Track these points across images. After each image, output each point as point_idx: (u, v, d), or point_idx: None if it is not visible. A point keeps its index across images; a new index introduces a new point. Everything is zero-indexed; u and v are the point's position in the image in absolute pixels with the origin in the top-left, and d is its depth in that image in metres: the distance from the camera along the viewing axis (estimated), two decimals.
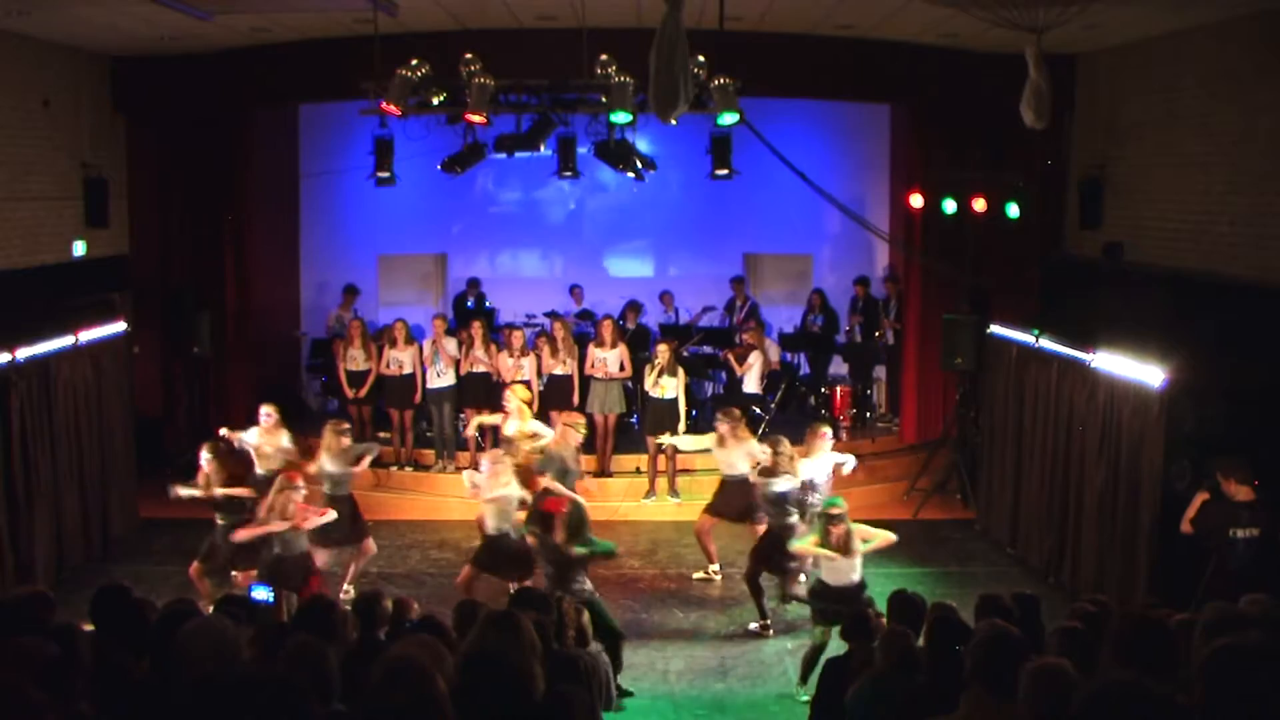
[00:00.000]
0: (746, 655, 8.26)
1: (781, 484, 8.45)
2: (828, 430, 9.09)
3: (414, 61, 8.90)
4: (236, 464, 8.83)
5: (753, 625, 8.65)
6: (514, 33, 10.71)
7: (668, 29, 6.54)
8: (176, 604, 5.14)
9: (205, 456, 8.48)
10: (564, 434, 9.27)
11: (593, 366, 11.37)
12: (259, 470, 9.11)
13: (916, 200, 11.72)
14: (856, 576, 7.51)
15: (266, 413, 9.33)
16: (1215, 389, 7.80)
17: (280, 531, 7.71)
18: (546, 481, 8.65)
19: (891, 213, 13.18)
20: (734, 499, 9.24)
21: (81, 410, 9.90)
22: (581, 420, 9.54)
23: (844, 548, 7.39)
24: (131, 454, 10.84)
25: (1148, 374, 8.21)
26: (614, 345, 11.41)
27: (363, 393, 11.76)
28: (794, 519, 8.44)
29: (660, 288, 14.21)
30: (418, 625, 5.44)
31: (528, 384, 10.98)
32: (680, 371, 10.92)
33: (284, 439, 9.29)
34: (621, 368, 11.41)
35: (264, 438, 9.23)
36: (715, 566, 9.63)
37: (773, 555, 8.38)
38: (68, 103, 10.92)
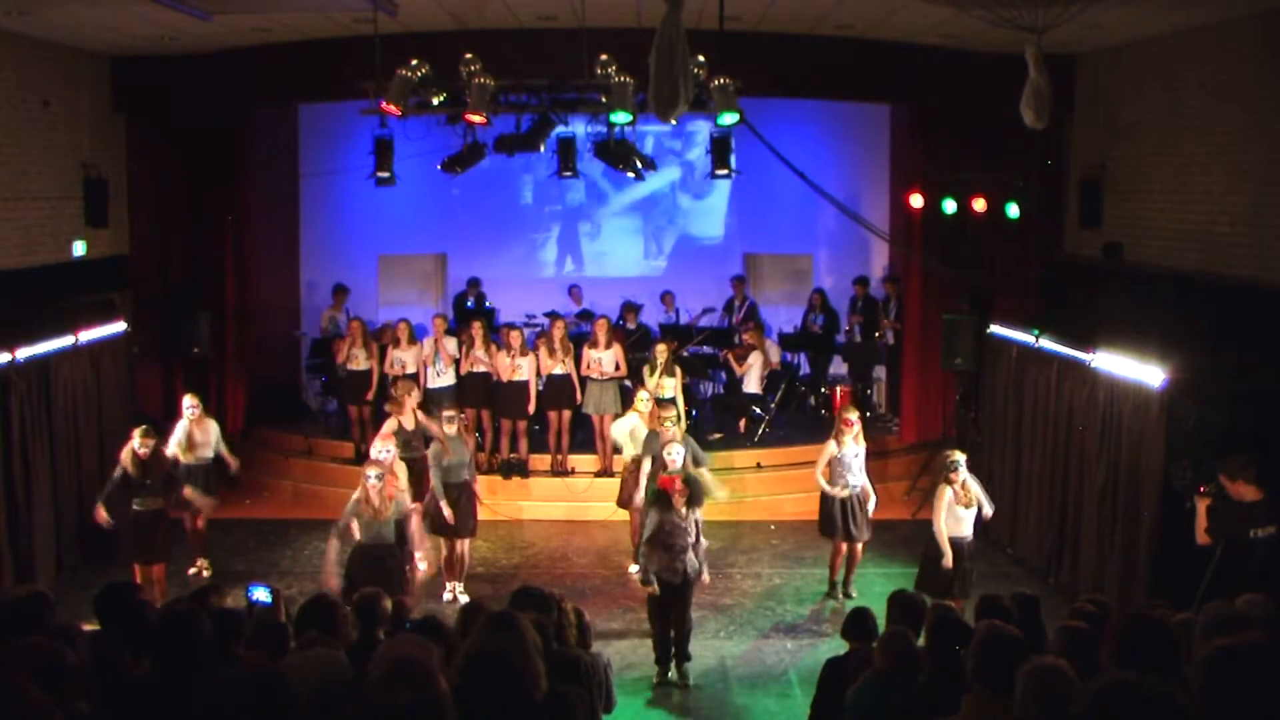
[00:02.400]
0: (746, 655, 8.26)
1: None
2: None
3: (414, 61, 8.90)
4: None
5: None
6: (514, 33, 10.71)
7: (668, 29, 6.54)
8: (177, 604, 5.14)
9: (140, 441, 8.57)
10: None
11: (588, 367, 11.36)
12: (188, 461, 9.33)
13: (916, 200, 11.71)
14: (969, 531, 8.07)
15: (191, 404, 9.43)
16: (1215, 389, 7.80)
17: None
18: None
19: (891, 213, 13.16)
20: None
21: (81, 410, 9.90)
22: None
23: (963, 498, 8.05)
24: None
25: (1148, 374, 8.21)
26: (608, 345, 11.39)
27: (371, 394, 11.74)
28: None
29: (660, 288, 14.21)
30: (418, 625, 5.44)
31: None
32: (678, 371, 10.91)
33: (212, 429, 9.56)
34: (617, 368, 11.41)
35: (192, 429, 9.42)
36: None
37: None
38: (68, 103, 10.91)
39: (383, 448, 8.45)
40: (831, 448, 9.14)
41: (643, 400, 9.84)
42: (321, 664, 3.88)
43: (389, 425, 9.66)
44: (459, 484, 9.09)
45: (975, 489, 8.23)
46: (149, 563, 8.64)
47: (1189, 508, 7.28)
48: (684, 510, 7.69)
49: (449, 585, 9.20)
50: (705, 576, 7.99)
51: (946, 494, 8.15)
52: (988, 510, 8.34)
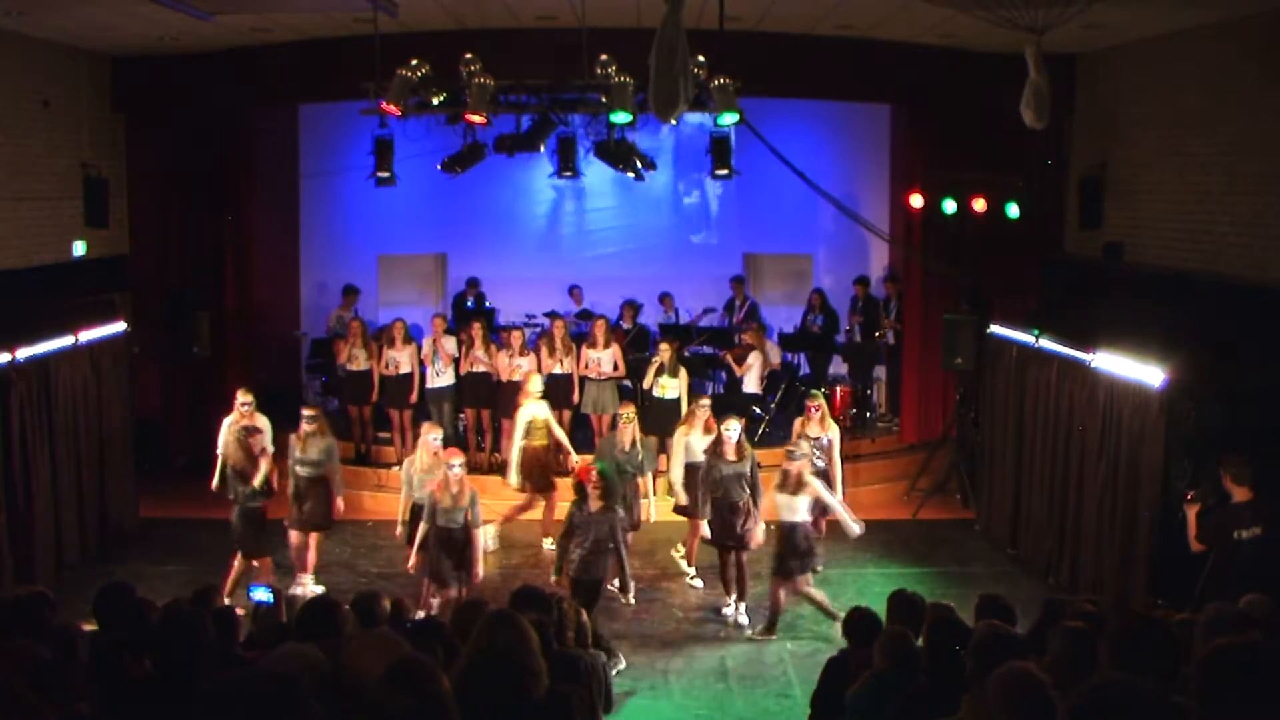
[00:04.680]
0: (746, 655, 8.26)
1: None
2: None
3: (414, 61, 8.91)
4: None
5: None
6: (514, 33, 10.71)
7: (668, 29, 6.54)
8: (177, 603, 5.15)
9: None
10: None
11: (586, 367, 11.36)
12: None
13: (916, 200, 11.72)
14: (797, 517, 8.25)
15: (244, 400, 9.25)
16: (1215, 389, 7.80)
17: None
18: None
19: (891, 213, 13.17)
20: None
21: (81, 410, 9.90)
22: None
23: (796, 486, 8.22)
24: (131, 454, 10.84)
25: (1148, 374, 8.21)
26: (606, 345, 11.39)
27: (374, 396, 11.75)
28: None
29: (660, 288, 14.21)
30: (418, 625, 5.45)
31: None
32: (682, 371, 10.90)
33: (263, 423, 9.36)
34: (615, 368, 11.41)
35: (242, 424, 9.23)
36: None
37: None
38: (68, 103, 10.91)
39: (437, 435, 8.74)
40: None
41: (702, 407, 9.50)
42: (296, 659, 3.86)
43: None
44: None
45: (814, 486, 8.37)
46: (252, 555, 8.73)
47: (1180, 517, 7.30)
48: (597, 505, 7.77)
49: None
50: (630, 597, 8.49)
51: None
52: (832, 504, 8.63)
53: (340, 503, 9.21)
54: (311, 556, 9.23)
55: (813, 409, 9.51)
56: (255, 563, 8.78)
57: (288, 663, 3.79)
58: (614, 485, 7.99)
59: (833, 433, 9.53)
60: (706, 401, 9.62)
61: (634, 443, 9.26)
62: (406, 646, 3.86)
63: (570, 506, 8.03)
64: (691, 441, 9.28)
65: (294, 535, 9.15)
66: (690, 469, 9.21)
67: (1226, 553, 6.86)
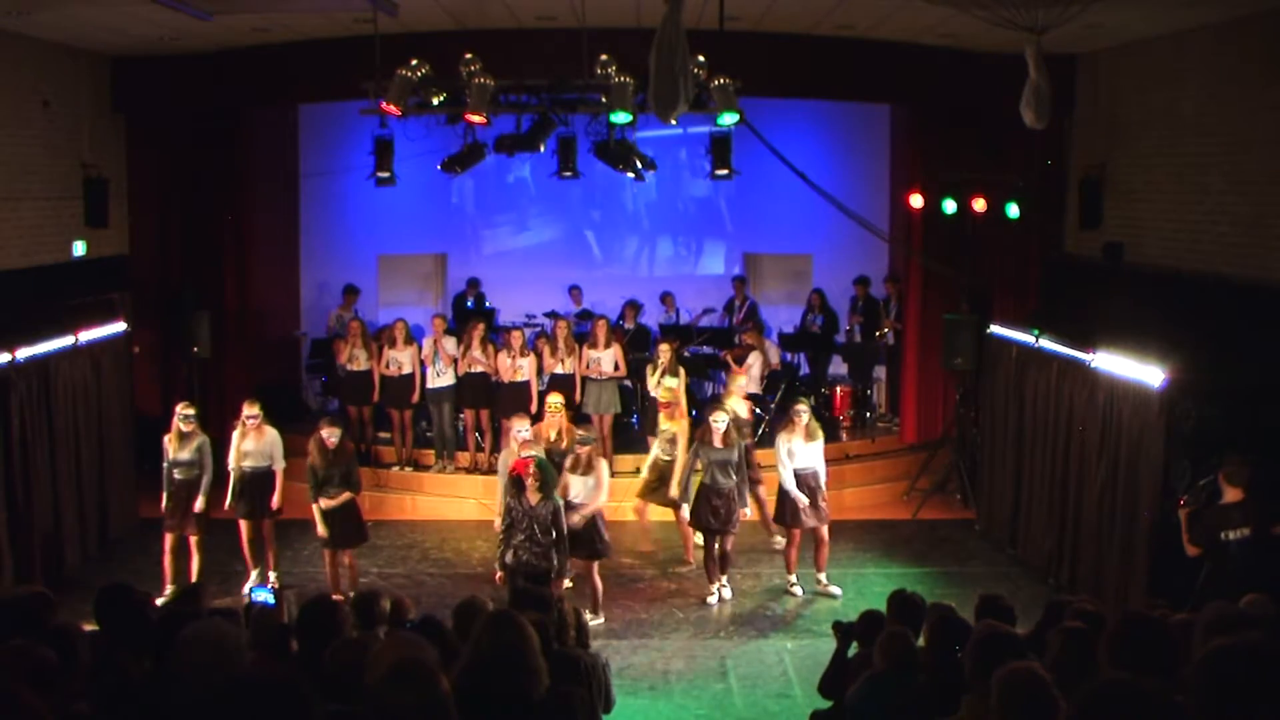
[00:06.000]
0: (746, 655, 8.26)
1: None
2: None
3: (414, 61, 8.90)
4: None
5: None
6: (514, 33, 10.71)
7: (668, 29, 6.55)
8: (178, 604, 5.15)
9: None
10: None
11: (587, 367, 11.35)
12: (245, 465, 9.03)
13: (916, 200, 11.72)
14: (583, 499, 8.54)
15: (250, 413, 9.05)
16: (1215, 389, 7.80)
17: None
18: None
19: (891, 213, 13.17)
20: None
21: (81, 410, 9.91)
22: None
23: (585, 468, 8.52)
24: (130, 454, 10.84)
25: (1148, 374, 8.21)
26: (607, 345, 11.39)
27: (375, 396, 11.75)
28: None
29: (660, 288, 14.21)
30: (417, 625, 5.45)
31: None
32: (681, 371, 10.90)
33: (270, 439, 9.17)
34: (616, 368, 11.41)
35: (247, 437, 9.10)
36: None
37: None
38: (68, 103, 10.91)
39: (523, 426, 8.85)
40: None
41: (799, 413, 9.24)
42: (215, 634, 3.83)
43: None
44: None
45: (601, 470, 8.63)
46: (338, 548, 8.80)
47: (1174, 521, 7.30)
48: (536, 497, 7.85)
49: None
50: (566, 581, 8.52)
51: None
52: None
53: (201, 501, 8.93)
54: (195, 563, 9.09)
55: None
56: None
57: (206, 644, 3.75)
58: (551, 477, 8.06)
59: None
60: (803, 406, 9.41)
61: (560, 434, 9.23)
62: (431, 650, 3.83)
63: (507, 500, 8.05)
64: (794, 448, 9.12)
65: (169, 539, 9.04)
66: (797, 476, 9.08)
67: (1217, 554, 6.88)
